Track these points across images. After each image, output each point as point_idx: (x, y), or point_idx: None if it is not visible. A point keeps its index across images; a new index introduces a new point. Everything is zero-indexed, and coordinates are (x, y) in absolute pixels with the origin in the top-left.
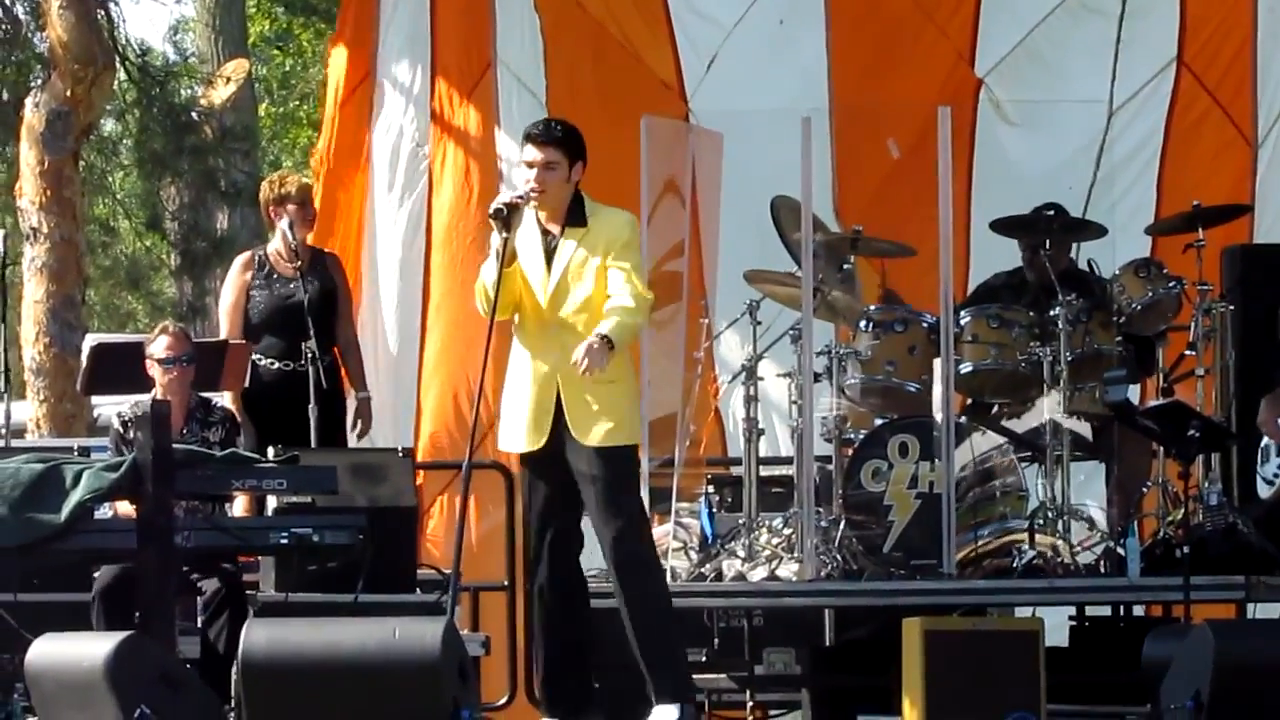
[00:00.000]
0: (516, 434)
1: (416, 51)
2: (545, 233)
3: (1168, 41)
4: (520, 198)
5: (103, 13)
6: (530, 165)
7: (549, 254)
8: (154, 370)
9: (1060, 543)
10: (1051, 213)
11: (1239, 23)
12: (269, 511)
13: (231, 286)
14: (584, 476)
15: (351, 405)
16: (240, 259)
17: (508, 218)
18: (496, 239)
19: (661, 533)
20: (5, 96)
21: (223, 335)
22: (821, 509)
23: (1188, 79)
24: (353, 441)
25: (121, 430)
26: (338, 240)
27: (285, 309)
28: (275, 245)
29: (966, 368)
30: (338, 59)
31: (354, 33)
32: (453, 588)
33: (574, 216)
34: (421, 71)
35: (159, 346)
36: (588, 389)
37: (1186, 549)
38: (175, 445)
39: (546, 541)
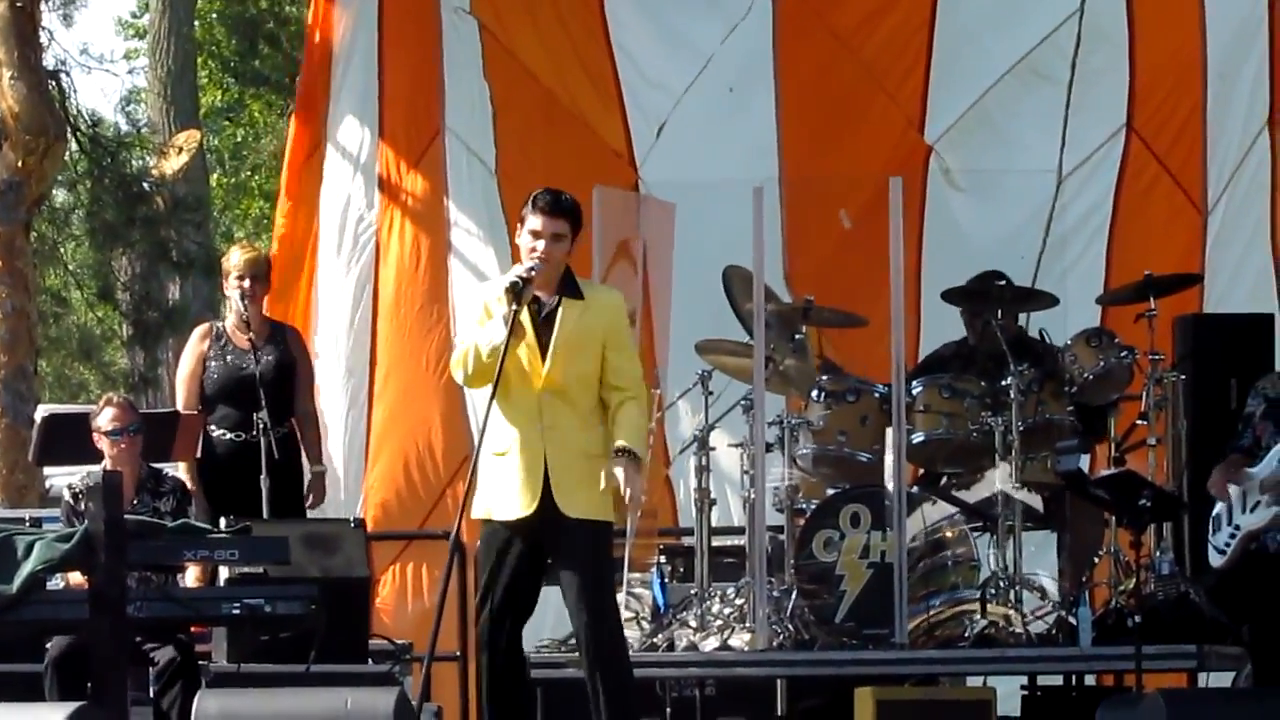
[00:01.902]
0: (500, 502)
1: (365, 118)
2: (535, 300)
3: (1117, 108)
4: (534, 271)
5: (54, 83)
6: (537, 235)
7: (543, 322)
8: (101, 442)
9: (1012, 612)
10: (1002, 283)
11: (1189, 90)
12: (221, 582)
13: (189, 356)
14: (565, 551)
15: (307, 478)
16: (199, 329)
17: (521, 291)
18: (505, 310)
19: None
20: None
21: (179, 405)
22: (774, 579)
23: (1137, 146)
24: (308, 514)
25: (73, 501)
26: (298, 308)
27: (239, 380)
28: (232, 317)
29: (918, 437)
30: (293, 128)
31: (308, 102)
32: (428, 659)
33: (569, 288)
34: (369, 138)
35: (104, 418)
36: (575, 463)
37: (1138, 618)
38: (127, 516)
39: (504, 612)
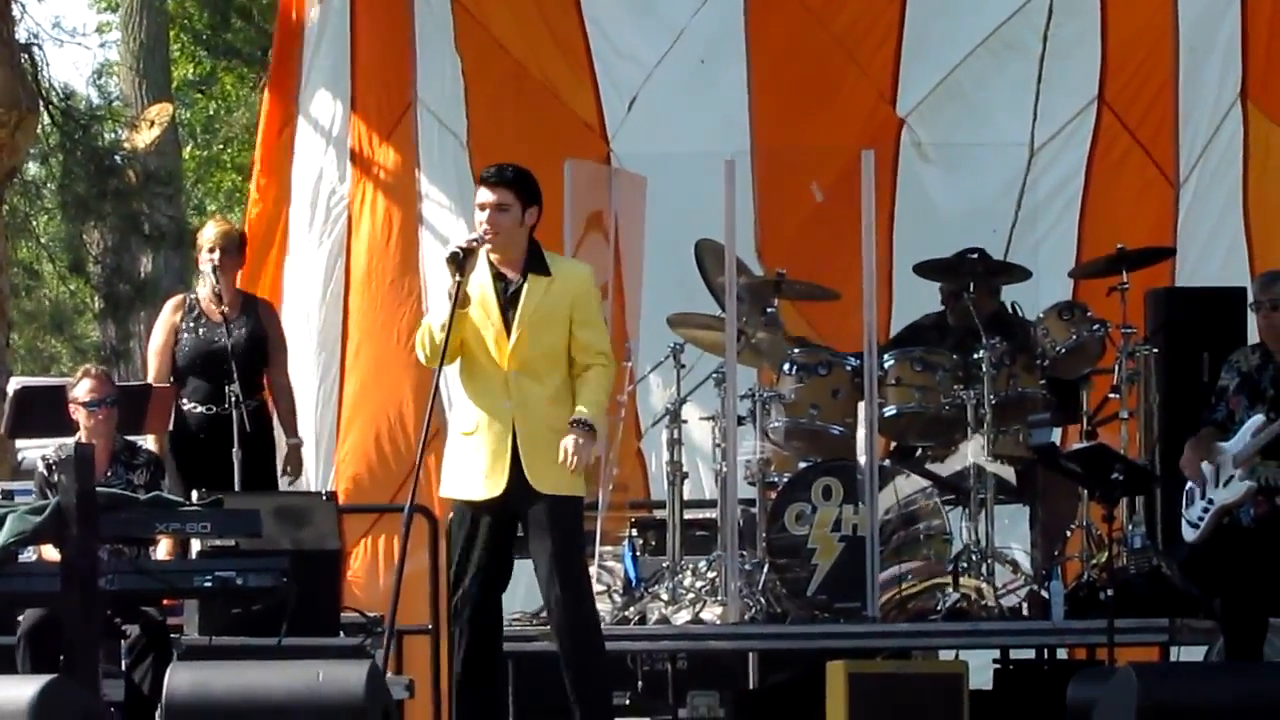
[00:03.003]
0: (469, 482)
1: (337, 91)
2: (500, 277)
3: (1089, 81)
4: (475, 241)
5: (27, 57)
6: (483, 207)
7: (509, 300)
8: (78, 413)
9: (984, 586)
10: (975, 256)
11: (1160, 62)
12: (193, 555)
13: (161, 328)
14: (537, 525)
15: (282, 451)
16: (171, 301)
17: (463, 262)
18: (448, 282)
19: None
20: None
21: (150, 377)
22: (745, 552)
23: (1109, 118)
24: (284, 486)
25: (46, 473)
26: (270, 281)
27: (210, 353)
28: (205, 290)
29: (890, 411)
30: (266, 102)
31: (280, 75)
32: (388, 631)
33: (535, 264)
34: (341, 111)
35: (82, 390)
36: (545, 439)
37: (1110, 592)
38: (99, 488)
39: (479, 588)
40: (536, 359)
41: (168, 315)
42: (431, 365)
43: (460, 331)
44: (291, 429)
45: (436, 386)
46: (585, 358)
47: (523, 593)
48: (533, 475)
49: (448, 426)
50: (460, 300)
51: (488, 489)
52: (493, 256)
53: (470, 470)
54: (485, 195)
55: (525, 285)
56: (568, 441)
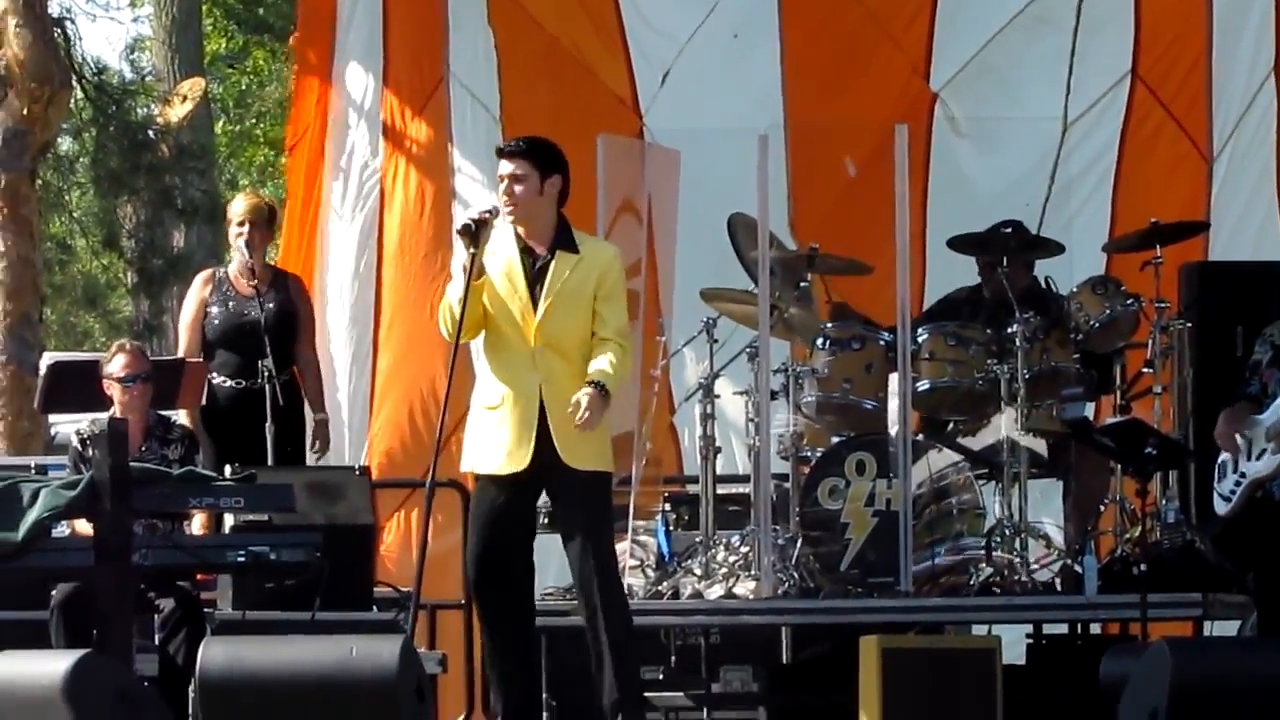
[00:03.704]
0: (493, 457)
1: (369, 65)
2: (528, 252)
3: (1122, 55)
4: (489, 212)
5: (59, 31)
6: (501, 180)
7: (536, 275)
8: (112, 389)
9: (1017, 560)
10: (1009, 230)
11: (1194, 36)
12: (226, 530)
13: (190, 303)
14: (566, 500)
15: (310, 426)
16: (201, 276)
17: (476, 233)
18: (463, 255)
19: (618, 550)
20: None
21: (180, 352)
22: (778, 527)
23: (1142, 93)
24: (312, 461)
25: (80, 448)
26: (302, 256)
27: (240, 327)
28: (235, 264)
29: (923, 385)
30: (297, 75)
31: (313, 50)
32: (414, 605)
33: (563, 240)
34: (373, 85)
35: (116, 365)
36: (573, 416)
37: (1144, 566)
38: (133, 463)
39: (503, 565)
40: (562, 335)
41: (197, 290)
42: (452, 340)
43: (478, 304)
44: (319, 404)
45: (454, 361)
46: (603, 331)
47: (555, 569)
48: (563, 449)
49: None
50: (475, 272)
51: (513, 463)
52: (519, 230)
53: (494, 444)
54: (502, 167)
55: (553, 261)
56: (581, 396)
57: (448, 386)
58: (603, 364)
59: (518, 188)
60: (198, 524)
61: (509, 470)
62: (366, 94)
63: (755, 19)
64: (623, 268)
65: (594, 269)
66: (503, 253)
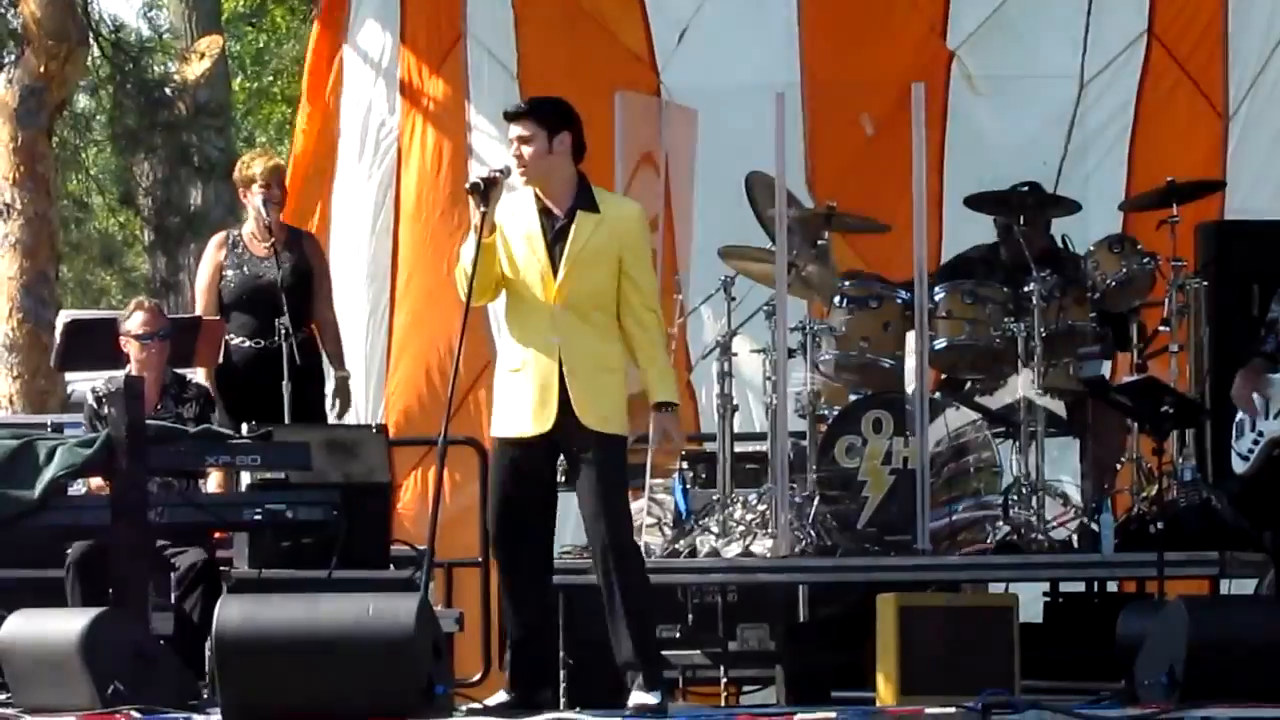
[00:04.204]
0: (518, 419)
1: (386, 22)
2: (547, 213)
3: (1138, 14)
4: (500, 171)
5: None
6: (510, 143)
7: (556, 236)
8: (129, 346)
9: (1034, 518)
10: (1025, 189)
11: None
12: (243, 488)
13: (206, 266)
14: (583, 459)
15: (330, 385)
16: (215, 238)
17: (485, 192)
18: (475, 214)
19: (635, 509)
20: None
21: (197, 313)
22: (795, 485)
23: (1158, 51)
24: (332, 419)
25: (96, 406)
26: (318, 214)
27: (256, 288)
28: (250, 225)
29: (941, 343)
30: (315, 33)
31: (330, 6)
32: (427, 563)
33: (583, 200)
34: (390, 43)
35: (134, 322)
36: (592, 375)
37: (1161, 525)
38: (149, 421)
39: (524, 524)
40: (583, 296)
41: (212, 252)
42: (467, 298)
43: (491, 264)
44: (339, 362)
45: (465, 319)
46: (634, 298)
47: (573, 526)
48: (580, 410)
49: (496, 361)
50: (485, 230)
51: (537, 425)
52: (537, 191)
53: (519, 406)
54: (510, 130)
55: (573, 223)
56: (669, 426)
57: (459, 346)
58: (655, 374)
59: (526, 149)
60: (214, 482)
61: (533, 432)
62: (384, 52)
63: None
64: (646, 225)
65: (617, 228)
66: (523, 215)
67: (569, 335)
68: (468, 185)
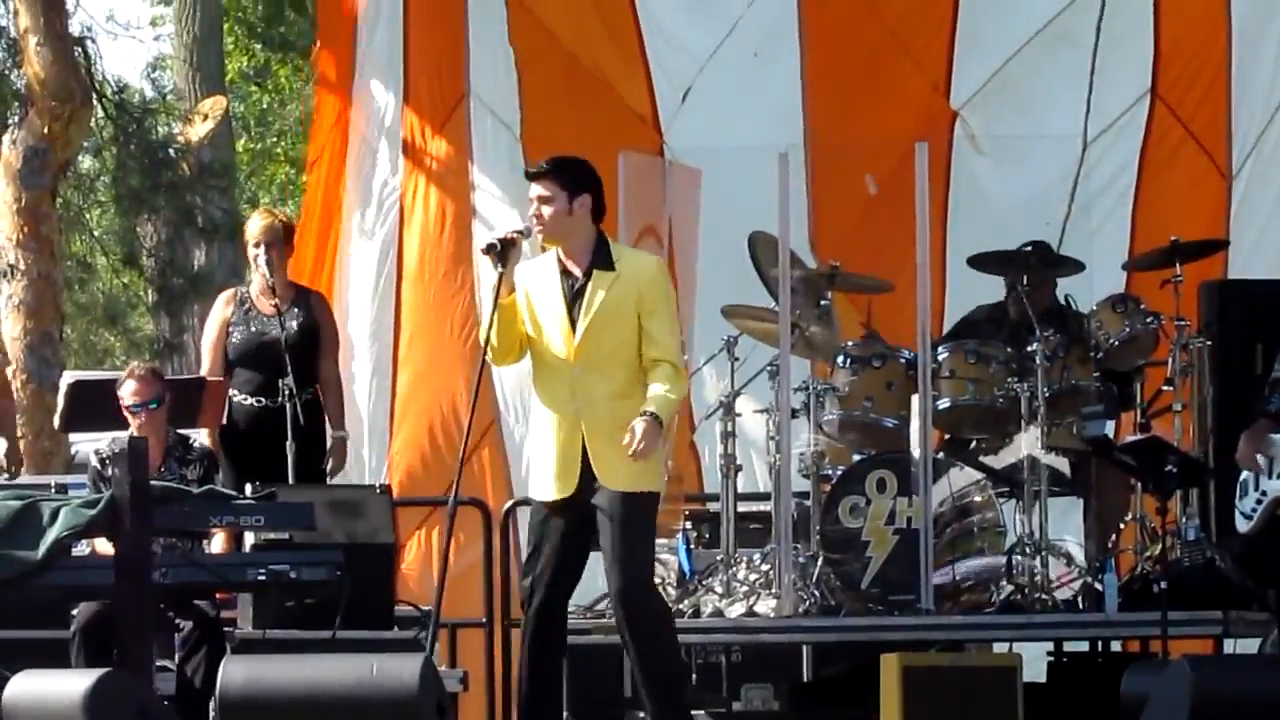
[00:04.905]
0: (544, 483)
1: (389, 82)
2: (566, 274)
3: (1142, 73)
4: (519, 232)
5: (80, 49)
6: (530, 202)
7: (574, 296)
8: (125, 412)
9: (1038, 578)
10: (1030, 249)
11: (1213, 53)
12: (246, 548)
13: (213, 323)
14: (605, 516)
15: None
16: (223, 295)
17: (503, 253)
18: (493, 275)
19: None
20: None
21: (203, 371)
22: (799, 545)
23: (1162, 110)
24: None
25: (99, 467)
26: (323, 273)
27: (261, 345)
28: (257, 283)
29: (944, 403)
30: (317, 92)
31: (333, 68)
32: (434, 623)
33: (600, 258)
34: (394, 102)
35: (126, 391)
36: (613, 436)
37: (1164, 584)
38: (153, 482)
39: (547, 588)
40: (603, 355)
41: (219, 309)
42: (497, 364)
43: (512, 325)
44: (338, 422)
45: (479, 382)
46: (653, 352)
47: (579, 587)
48: (602, 473)
49: (500, 420)
50: (504, 289)
51: (559, 490)
52: (558, 251)
53: (544, 471)
54: (531, 189)
55: (590, 282)
56: (636, 424)
57: (473, 406)
58: (657, 390)
59: (546, 209)
60: (218, 543)
61: (557, 496)
62: (387, 111)
63: (776, 37)
64: (666, 277)
65: (633, 285)
66: (545, 275)
67: (589, 397)
68: (484, 246)
